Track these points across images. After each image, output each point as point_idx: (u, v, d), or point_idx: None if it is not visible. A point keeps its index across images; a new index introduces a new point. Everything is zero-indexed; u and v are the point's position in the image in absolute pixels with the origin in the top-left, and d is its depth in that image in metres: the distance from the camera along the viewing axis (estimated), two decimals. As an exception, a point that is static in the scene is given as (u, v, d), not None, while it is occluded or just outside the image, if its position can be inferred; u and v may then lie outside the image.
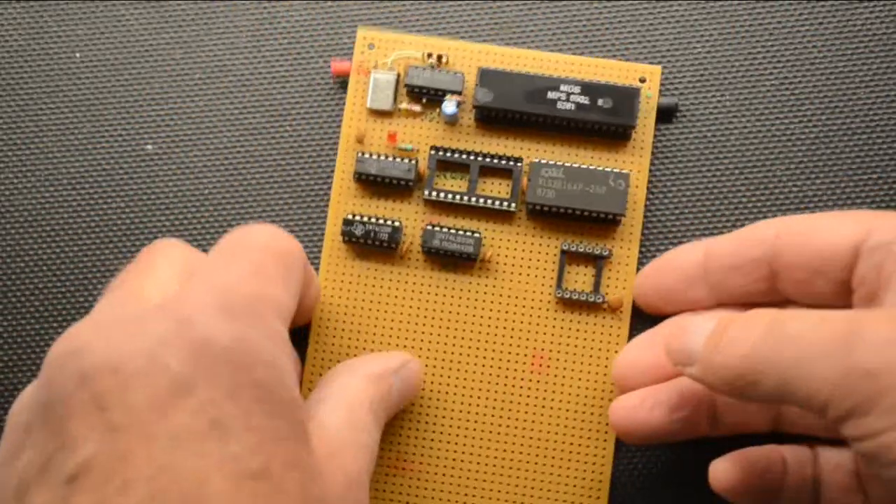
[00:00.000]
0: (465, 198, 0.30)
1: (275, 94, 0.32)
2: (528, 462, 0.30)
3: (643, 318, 0.30)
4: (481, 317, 0.30)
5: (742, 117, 0.31)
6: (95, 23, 0.33)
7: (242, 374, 0.20)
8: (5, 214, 0.32)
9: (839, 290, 0.26)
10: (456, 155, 0.31)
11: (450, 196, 0.30)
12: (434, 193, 0.31)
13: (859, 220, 0.26)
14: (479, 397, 0.30)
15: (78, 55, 0.33)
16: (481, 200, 0.30)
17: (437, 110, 0.31)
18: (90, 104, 0.32)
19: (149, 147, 0.32)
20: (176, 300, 0.22)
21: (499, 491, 0.30)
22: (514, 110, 0.30)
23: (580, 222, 0.31)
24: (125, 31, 0.33)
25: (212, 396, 0.20)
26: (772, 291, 0.28)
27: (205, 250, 0.32)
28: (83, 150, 0.32)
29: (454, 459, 0.30)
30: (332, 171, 0.32)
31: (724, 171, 0.31)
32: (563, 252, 0.30)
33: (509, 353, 0.30)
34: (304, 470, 0.21)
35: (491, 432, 0.30)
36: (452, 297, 0.31)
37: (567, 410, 0.30)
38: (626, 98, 0.30)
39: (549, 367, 0.30)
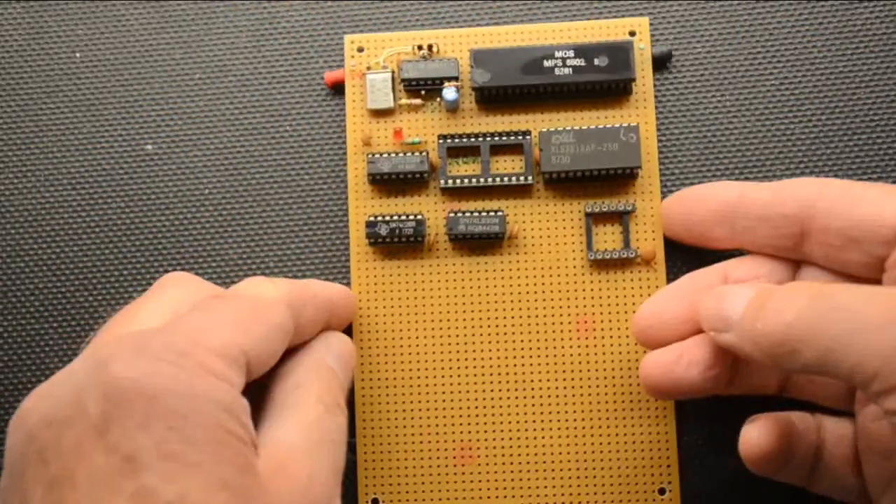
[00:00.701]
0: (481, 179, 0.30)
1: (275, 95, 0.32)
2: (591, 428, 0.30)
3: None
4: (519, 293, 0.30)
5: (742, 117, 0.31)
6: (95, 23, 0.33)
7: (153, 404, 0.21)
8: (5, 214, 0.32)
9: (870, 263, 0.26)
10: (464, 139, 0.31)
11: (465, 180, 0.30)
12: (449, 181, 0.30)
13: None
14: (531, 372, 0.30)
15: (78, 55, 0.33)
16: (497, 179, 0.30)
17: (438, 99, 0.31)
18: (90, 104, 0.32)
19: (149, 147, 0.32)
20: (99, 346, 0.23)
21: (567, 461, 0.30)
22: (514, 85, 0.30)
23: (598, 182, 0.31)
24: (125, 31, 0.33)
25: (124, 431, 0.20)
26: (795, 249, 0.27)
27: (204, 250, 0.32)
28: (83, 150, 0.32)
29: (517, 439, 0.30)
30: (333, 170, 0.32)
31: (724, 171, 0.31)
32: (587, 214, 0.30)
33: (553, 323, 0.30)
34: (235, 491, 0.21)
35: (550, 405, 0.30)
36: (487, 278, 0.31)
37: (620, 369, 0.30)
38: (620, 53, 0.30)
39: (594, 329, 0.30)
